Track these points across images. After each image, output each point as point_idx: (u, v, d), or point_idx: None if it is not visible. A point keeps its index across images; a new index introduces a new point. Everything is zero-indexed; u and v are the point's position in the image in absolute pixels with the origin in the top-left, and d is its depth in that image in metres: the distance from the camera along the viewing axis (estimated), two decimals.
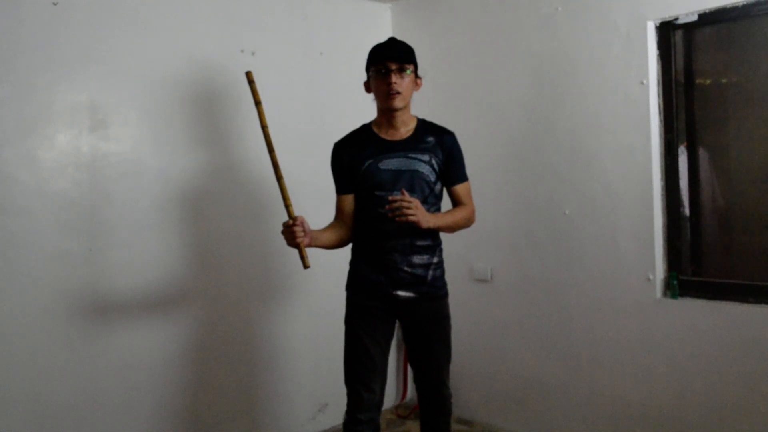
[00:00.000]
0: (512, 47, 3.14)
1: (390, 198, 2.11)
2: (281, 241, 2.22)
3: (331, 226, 2.36)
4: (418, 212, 2.09)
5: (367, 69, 2.30)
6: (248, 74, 2.23)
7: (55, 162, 2.49)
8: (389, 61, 2.22)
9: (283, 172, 2.18)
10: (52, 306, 2.49)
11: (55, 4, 2.48)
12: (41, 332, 2.46)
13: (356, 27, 3.50)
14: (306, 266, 2.12)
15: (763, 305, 2.45)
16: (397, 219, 2.08)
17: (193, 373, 2.87)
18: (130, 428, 2.67)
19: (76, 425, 2.53)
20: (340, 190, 2.36)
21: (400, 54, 2.23)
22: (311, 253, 2.18)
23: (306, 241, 2.15)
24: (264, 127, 2.19)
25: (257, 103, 2.21)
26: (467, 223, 2.37)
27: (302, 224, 2.14)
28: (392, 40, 2.32)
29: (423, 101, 3.03)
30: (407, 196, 2.11)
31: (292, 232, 2.12)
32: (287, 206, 2.16)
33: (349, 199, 2.35)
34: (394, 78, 2.21)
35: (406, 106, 2.29)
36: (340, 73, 3.37)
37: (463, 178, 2.37)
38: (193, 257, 2.87)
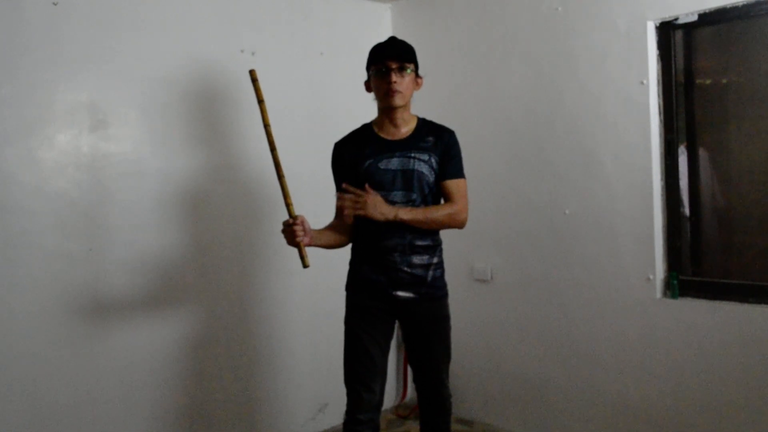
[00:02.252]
0: (512, 47, 3.14)
1: (343, 191, 2.20)
2: (281, 240, 2.22)
3: (331, 226, 2.36)
4: (367, 206, 2.14)
5: (368, 68, 2.30)
6: (252, 72, 2.23)
7: (55, 162, 2.49)
8: (389, 60, 2.21)
9: (283, 171, 2.18)
10: (52, 305, 2.49)
11: (55, 4, 2.48)
12: (41, 332, 2.46)
13: (356, 27, 3.50)
14: (305, 265, 2.12)
15: (763, 305, 2.45)
16: (345, 213, 2.18)
17: (192, 373, 2.87)
18: (129, 428, 2.67)
19: (76, 425, 2.53)
20: (341, 189, 2.36)
21: (400, 53, 2.22)
22: (311, 252, 2.18)
23: (306, 240, 2.15)
24: (266, 126, 2.19)
25: (260, 102, 2.20)
26: (449, 220, 2.24)
27: (302, 223, 2.15)
28: (392, 39, 2.32)
29: (423, 101, 3.02)
30: (365, 191, 2.17)
31: (292, 231, 2.13)
32: (288, 205, 2.16)
33: None
34: (395, 77, 2.20)
35: (407, 105, 2.29)
36: (340, 73, 3.38)
37: (456, 174, 2.28)
38: (192, 257, 2.87)
